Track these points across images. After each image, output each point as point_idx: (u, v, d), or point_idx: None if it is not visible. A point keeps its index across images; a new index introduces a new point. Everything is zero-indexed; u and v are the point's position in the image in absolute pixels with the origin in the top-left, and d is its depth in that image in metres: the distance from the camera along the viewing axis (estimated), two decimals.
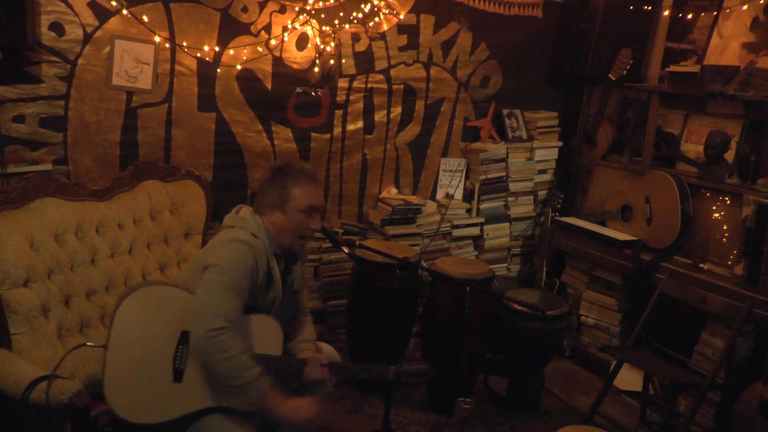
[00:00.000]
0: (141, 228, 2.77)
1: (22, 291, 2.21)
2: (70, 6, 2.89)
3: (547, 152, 4.38)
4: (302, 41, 3.48)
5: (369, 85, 3.75)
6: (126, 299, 2.05)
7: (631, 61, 3.86)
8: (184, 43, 3.18)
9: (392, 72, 3.80)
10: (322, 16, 3.46)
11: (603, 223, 3.96)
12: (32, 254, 2.27)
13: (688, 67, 3.68)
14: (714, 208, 3.46)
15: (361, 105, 3.76)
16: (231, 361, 1.98)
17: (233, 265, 2.08)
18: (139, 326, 2.03)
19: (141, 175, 2.87)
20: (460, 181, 4.15)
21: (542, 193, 4.42)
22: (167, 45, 3.15)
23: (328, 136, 3.71)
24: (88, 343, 2.17)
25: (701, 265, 3.35)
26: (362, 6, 3.52)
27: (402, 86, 3.85)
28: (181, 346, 2.05)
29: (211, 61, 3.27)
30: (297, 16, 3.39)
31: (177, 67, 3.20)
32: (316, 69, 3.53)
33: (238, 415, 2.08)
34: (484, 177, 4.13)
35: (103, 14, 2.98)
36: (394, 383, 2.17)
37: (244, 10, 3.30)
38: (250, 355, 2.04)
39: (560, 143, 4.41)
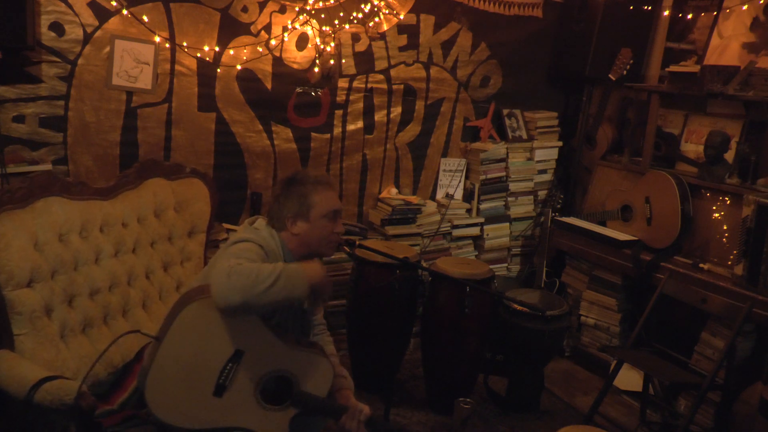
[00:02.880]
0: (145, 226, 2.75)
1: (25, 292, 2.20)
2: (70, 6, 2.89)
3: (547, 152, 4.38)
4: (302, 41, 3.48)
5: (369, 85, 3.75)
6: (193, 303, 2.00)
7: (631, 61, 3.86)
8: (184, 43, 3.17)
9: (392, 72, 3.79)
10: (322, 16, 3.46)
11: (603, 223, 3.96)
12: (36, 254, 2.26)
13: (688, 67, 3.69)
14: (714, 208, 3.47)
15: (361, 105, 3.76)
16: (262, 278, 1.89)
17: (243, 251, 2.04)
18: (197, 332, 2.00)
19: (146, 173, 2.85)
20: (460, 181, 4.15)
21: (542, 193, 4.42)
22: (167, 45, 3.14)
23: (328, 136, 3.71)
24: (143, 331, 2.10)
25: (701, 265, 3.35)
26: (362, 6, 3.52)
27: (402, 86, 3.85)
28: (230, 363, 2.01)
29: (211, 61, 3.26)
30: (297, 16, 3.39)
31: (177, 67, 3.20)
32: (316, 69, 3.53)
33: None
34: (484, 177, 4.12)
35: (103, 14, 2.98)
36: None
37: (244, 10, 3.30)
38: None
39: (560, 143, 4.41)
